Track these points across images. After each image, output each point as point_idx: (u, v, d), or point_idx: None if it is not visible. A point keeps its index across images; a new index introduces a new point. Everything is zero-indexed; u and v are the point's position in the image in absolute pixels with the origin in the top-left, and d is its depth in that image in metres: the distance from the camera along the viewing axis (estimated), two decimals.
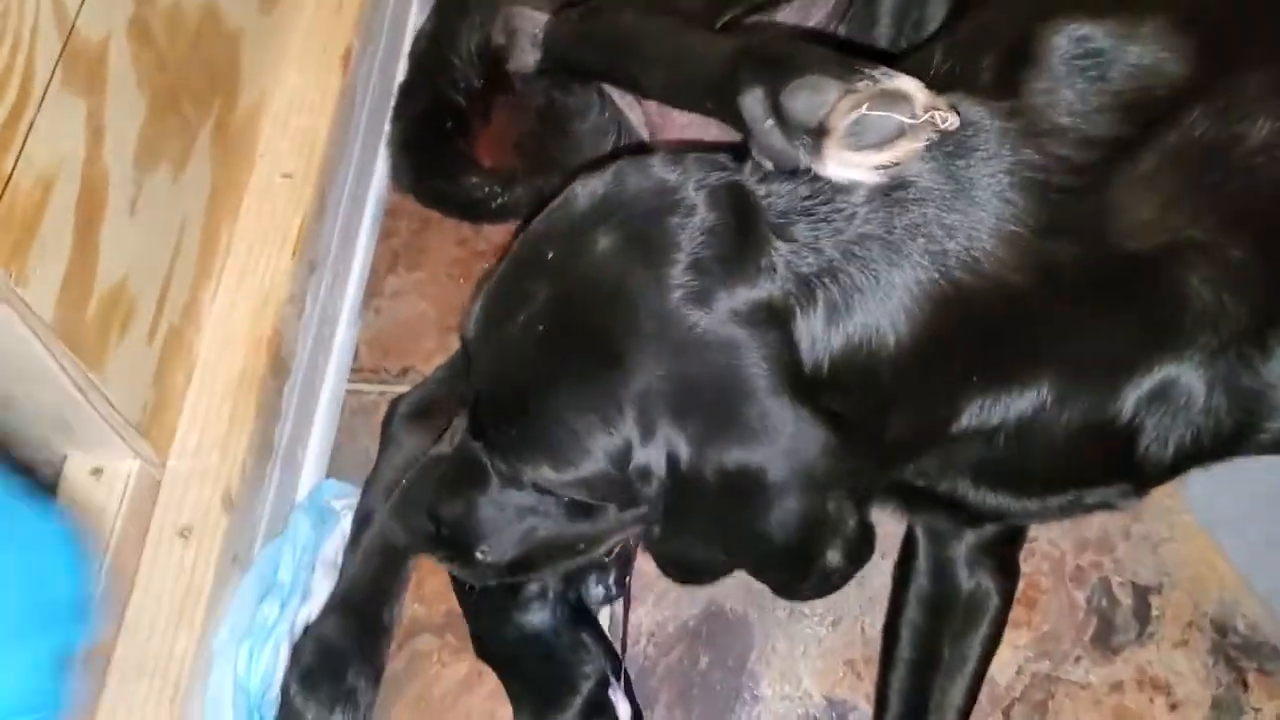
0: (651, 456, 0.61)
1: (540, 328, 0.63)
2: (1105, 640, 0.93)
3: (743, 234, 0.61)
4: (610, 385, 0.61)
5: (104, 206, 0.74)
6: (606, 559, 0.91)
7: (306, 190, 0.96)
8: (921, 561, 0.89)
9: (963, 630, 0.88)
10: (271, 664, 0.84)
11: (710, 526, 0.64)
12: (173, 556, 0.82)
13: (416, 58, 1.09)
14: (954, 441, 0.67)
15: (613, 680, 0.88)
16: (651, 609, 0.94)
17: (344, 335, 1.03)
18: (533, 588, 0.88)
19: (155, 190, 0.80)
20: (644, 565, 0.95)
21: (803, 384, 0.60)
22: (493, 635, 0.89)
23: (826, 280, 0.60)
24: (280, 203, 0.95)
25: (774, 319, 0.60)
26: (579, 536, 0.73)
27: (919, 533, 0.89)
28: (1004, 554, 0.89)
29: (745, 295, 0.59)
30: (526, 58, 1.03)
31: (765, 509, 0.61)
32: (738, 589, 0.94)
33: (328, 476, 0.98)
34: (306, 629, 0.87)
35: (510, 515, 0.72)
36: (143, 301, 0.80)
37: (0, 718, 0.62)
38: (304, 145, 0.98)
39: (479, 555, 0.74)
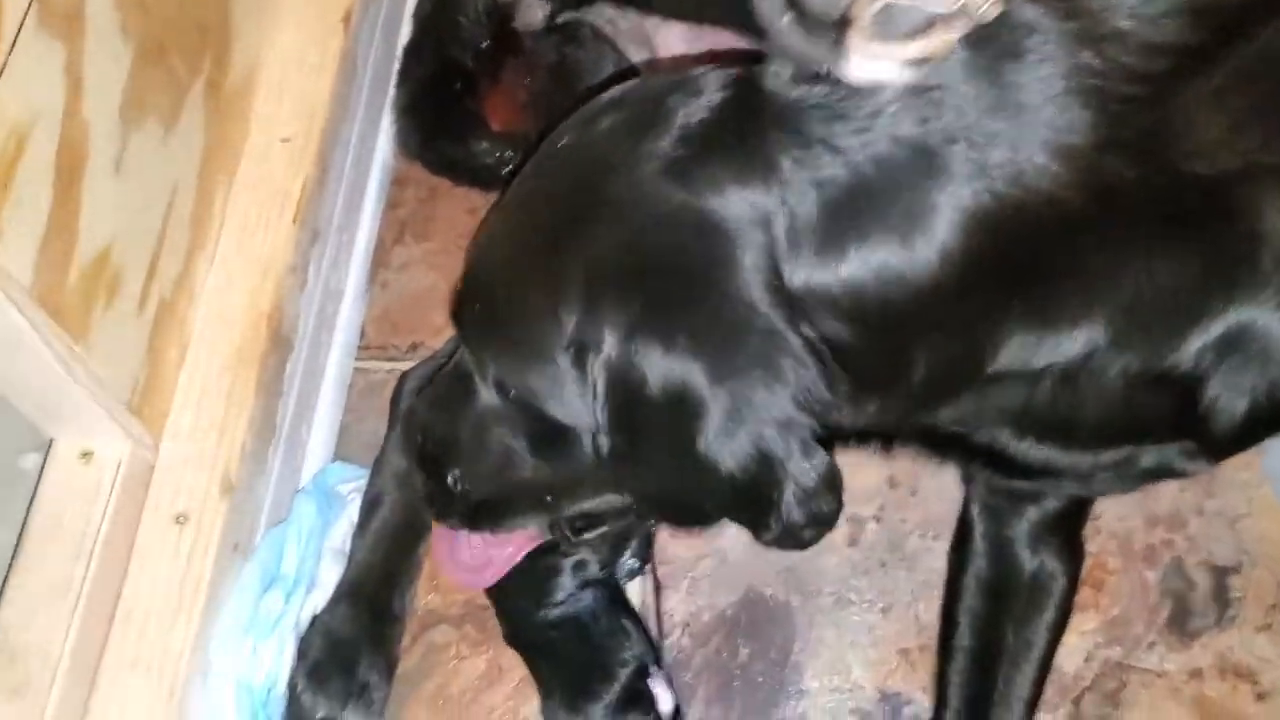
0: (591, 338, 0.55)
1: (521, 211, 0.61)
2: (1181, 625, 0.87)
3: (745, 118, 0.55)
4: (563, 252, 0.56)
5: (85, 163, 0.69)
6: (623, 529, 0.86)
7: (307, 155, 0.91)
8: (979, 543, 0.83)
9: (1026, 615, 0.81)
10: (276, 659, 0.79)
11: (652, 441, 0.57)
12: (168, 545, 0.78)
13: (421, 19, 1.04)
14: (991, 384, 0.60)
15: (653, 669, 0.82)
16: (685, 597, 0.88)
17: (349, 310, 0.98)
18: (566, 570, 0.82)
19: (142, 148, 0.75)
20: (677, 550, 0.90)
21: (784, 295, 0.53)
22: (525, 618, 0.83)
23: (841, 183, 0.53)
24: (279, 168, 0.90)
25: (763, 213, 0.53)
26: (551, 478, 0.67)
27: (975, 512, 0.83)
28: (1068, 532, 0.83)
29: (734, 181, 0.54)
30: (534, 12, 0.98)
31: (704, 427, 0.54)
32: (778, 574, 0.89)
33: (334, 459, 0.93)
34: (313, 621, 0.81)
35: (488, 444, 0.67)
36: (131, 269, 0.75)
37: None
38: (304, 108, 0.93)
39: (450, 481, 0.70)
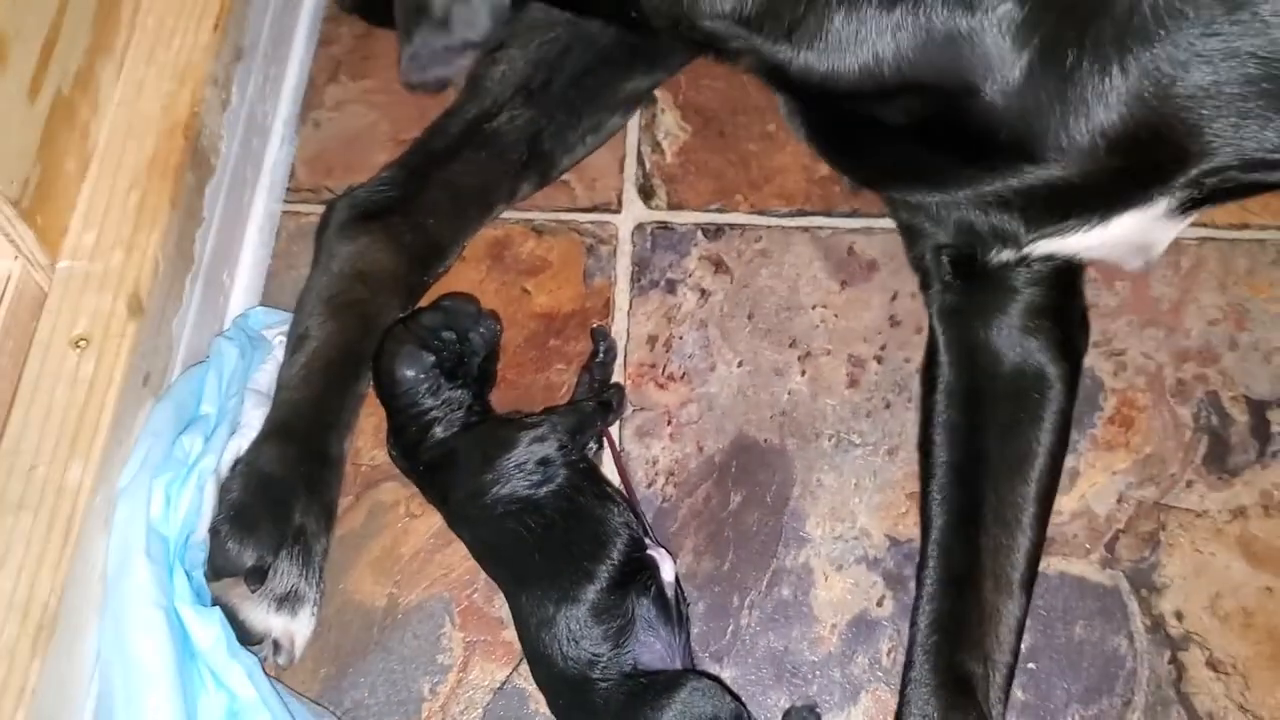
0: None
1: None
2: (1220, 462, 0.85)
3: None
4: None
5: None
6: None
7: None
8: (943, 353, 0.79)
9: (1013, 421, 0.76)
10: (195, 506, 0.73)
11: None
12: (65, 370, 0.72)
13: None
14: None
15: (647, 539, 0.75)
16: (669, 444, 0.84)
17: (277, 150, 0.94)
18: (521, 443, 0.75)
19: None
20: (657, 396, 0.86)
21: None
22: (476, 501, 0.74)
23: None
24: None
25: None
26: None
27: (935, 324, 0.80)
28: (1058, 317, 0.78)
29: None
30: None
31: None
32: (770, 419, 0.85)
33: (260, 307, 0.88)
34: (235, 463, 0.76)
35: None
36: (19, 46, 0.70)
37: None
38: None
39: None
